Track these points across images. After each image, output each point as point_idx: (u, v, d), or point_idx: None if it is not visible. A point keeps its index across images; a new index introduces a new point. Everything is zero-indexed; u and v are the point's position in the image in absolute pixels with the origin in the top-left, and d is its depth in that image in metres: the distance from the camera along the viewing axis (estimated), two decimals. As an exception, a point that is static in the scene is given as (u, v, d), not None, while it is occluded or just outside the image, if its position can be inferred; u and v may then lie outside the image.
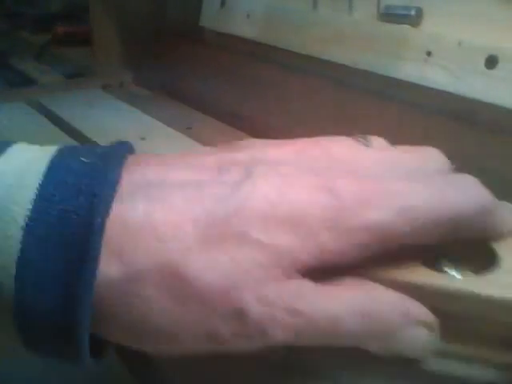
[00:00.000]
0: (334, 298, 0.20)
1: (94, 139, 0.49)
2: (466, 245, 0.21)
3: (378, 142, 0.24)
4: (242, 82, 0.52)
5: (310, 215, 0.19)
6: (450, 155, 0.36)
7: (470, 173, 0.22)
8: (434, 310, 0.20)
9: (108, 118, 0.55)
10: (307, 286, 0.19)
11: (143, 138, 0.50)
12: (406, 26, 0.37)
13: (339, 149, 0.23)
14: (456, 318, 0.20)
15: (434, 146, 0.37)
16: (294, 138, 0.23)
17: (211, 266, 0.18)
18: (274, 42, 0.48)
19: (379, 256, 0.20)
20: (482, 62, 0.33)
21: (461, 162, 0.36)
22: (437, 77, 0.36)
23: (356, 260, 0.20)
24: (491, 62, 0.32)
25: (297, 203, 0.19)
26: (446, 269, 0.21)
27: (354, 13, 0.42)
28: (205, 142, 0.48)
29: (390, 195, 0.20)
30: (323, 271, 0.20)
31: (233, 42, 0.53)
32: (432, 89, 0.36)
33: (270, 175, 0.20)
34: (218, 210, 0.19)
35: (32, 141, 0.21)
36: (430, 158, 0.24)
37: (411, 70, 0.37)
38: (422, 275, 0.20)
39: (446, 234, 0.20)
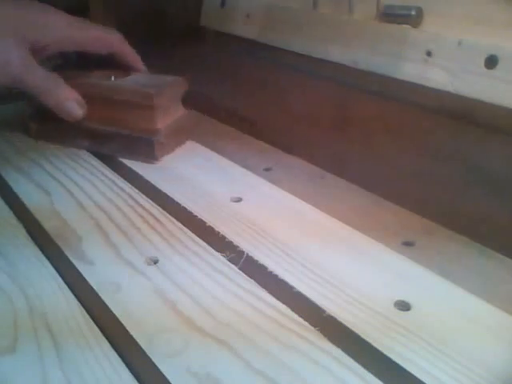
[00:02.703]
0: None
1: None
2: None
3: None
4: (241, 81, 0.52)
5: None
6: (450, 154, 0.36)
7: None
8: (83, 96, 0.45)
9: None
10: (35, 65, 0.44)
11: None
12: (406, 26, 0.37)
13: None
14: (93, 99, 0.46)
15: (433, 145, 0.37)
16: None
17: None
18: (273, 42, 0.48)
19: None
20: (482, 62, 0.33)
21: (461, 162, 0.36)
22: (437, 77, 0.36)
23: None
24: (491, 61, 0.33)
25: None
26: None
27: (354, 13, 0.42)
28: (205, 143, 0.48)
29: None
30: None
31: (233, 41, 0.53)
32: (432, 88, 0.36)
33: None
34: None
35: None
36: None
37: (411, 70, 0.37)
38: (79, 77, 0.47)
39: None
